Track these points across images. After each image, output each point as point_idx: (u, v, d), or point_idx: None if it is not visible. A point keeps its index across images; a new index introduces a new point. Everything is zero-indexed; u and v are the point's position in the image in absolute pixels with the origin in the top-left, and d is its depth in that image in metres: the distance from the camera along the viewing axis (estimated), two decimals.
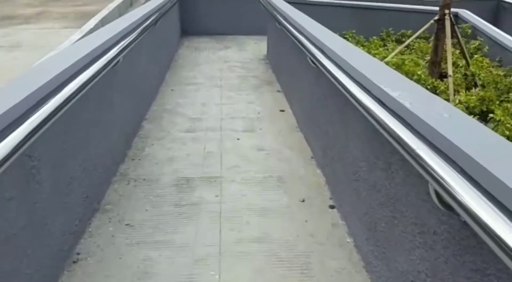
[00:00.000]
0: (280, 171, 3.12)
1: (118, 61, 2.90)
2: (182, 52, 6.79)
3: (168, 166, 3.18)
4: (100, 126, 2.78)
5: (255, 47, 7.22)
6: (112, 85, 3.08)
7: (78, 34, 7.22)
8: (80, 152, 2.39)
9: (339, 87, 2.34)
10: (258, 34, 7.79)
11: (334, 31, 3.43)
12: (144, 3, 11.89)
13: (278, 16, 4.75)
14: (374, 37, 6.41)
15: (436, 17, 5.14)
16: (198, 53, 6.80)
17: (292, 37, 3.96)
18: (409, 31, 6.39)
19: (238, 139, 3.65)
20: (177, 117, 4.14)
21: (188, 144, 3.57)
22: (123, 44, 3.06)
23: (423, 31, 6.41)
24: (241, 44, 7.39)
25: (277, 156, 3.37)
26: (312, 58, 3.01)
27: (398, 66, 4.96)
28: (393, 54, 5.39)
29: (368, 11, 6.80)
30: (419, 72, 4.92)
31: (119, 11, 9.94)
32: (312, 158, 3.34)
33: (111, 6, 9.85)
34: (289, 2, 5.83)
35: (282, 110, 4.37)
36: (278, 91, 5.02)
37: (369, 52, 5.26)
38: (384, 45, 6.20)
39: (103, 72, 2.50)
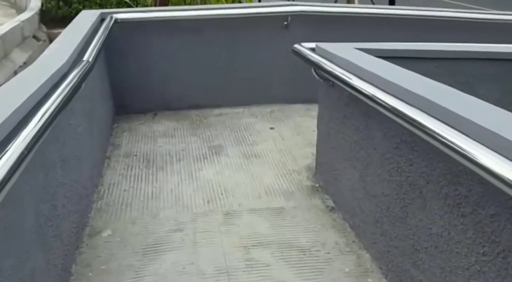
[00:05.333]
0: None
1: None
2: (110, 182, 2.67)
3: None
4: None
5: (277, 141, 3.28)
6: None
7: None
8: None
9: None
10: (272, 103, 3.92)
11: None
12: (26, 61, 5.57)
13: None
14: None
15: None
16: (150, 180, 2.70)
17: None
18: None
19: None
20: None
21: None
22: None
23: None
24: (244, 135, 3.39)
25: None
26: None
27: None
28: None
29: None
30: None
31: None
32: None
33: None
34: (379, 56, 2.16)
35: None
36: None
37: None
38: None
39: None
